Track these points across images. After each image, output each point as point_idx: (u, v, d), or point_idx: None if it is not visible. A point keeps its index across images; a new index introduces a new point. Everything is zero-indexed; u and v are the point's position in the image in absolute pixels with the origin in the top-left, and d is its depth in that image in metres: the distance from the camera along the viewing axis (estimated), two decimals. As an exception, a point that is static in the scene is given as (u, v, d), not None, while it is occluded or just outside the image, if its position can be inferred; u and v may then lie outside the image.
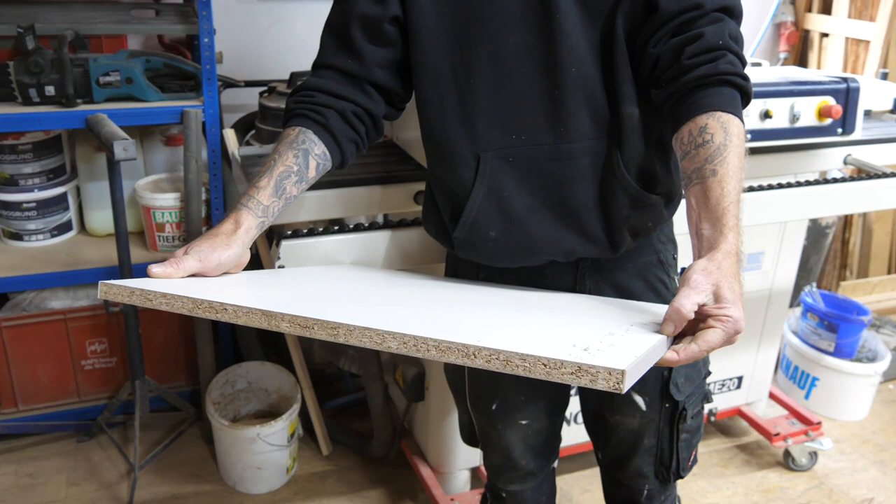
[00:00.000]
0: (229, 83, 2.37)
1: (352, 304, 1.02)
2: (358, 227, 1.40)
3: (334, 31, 1.17)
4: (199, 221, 2.15)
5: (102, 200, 2.28)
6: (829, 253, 3.23)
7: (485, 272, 1.22)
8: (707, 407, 2.18)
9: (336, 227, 1.39)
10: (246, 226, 1.05)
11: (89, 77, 2.02)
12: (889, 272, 3.36)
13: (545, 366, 0.73)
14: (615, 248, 1.14)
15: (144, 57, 2.08)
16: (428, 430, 2.03)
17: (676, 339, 0.88)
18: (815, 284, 2.69)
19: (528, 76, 1.09)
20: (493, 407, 1.30)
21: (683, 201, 1.03)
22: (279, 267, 1.34)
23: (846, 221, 3.27)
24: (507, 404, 1.29)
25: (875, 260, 3.30)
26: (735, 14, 1.05)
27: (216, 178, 2.17)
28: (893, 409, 2.63)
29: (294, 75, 2.26)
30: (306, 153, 1.11)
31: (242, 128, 2.40)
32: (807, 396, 2.57)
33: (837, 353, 2.49)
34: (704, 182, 0.95)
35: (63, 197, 2.27)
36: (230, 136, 2.26)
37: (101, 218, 2.32)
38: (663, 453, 1.27)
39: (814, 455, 2.29)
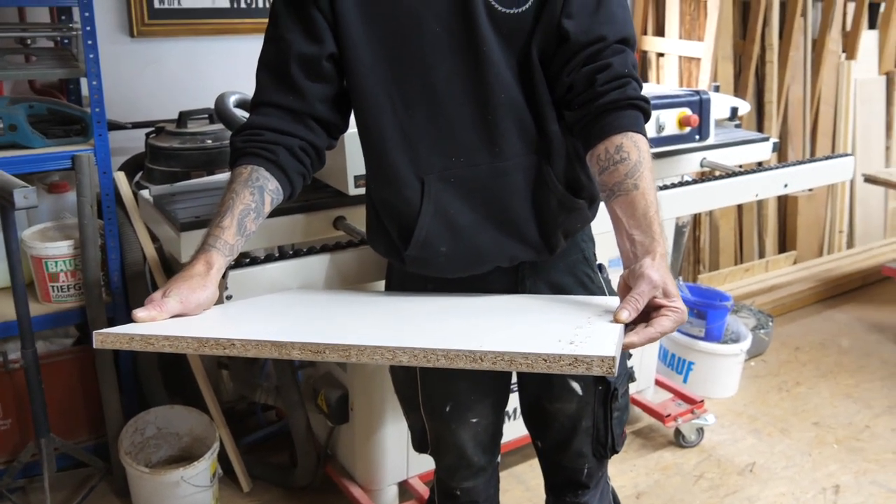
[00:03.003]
0: (115, 126, 2.32)
1: (346, 325, 1.08)
2: (298, 253, 1.45)
3: (272, 69, 1.23)
4: (96, 268, 2.09)
5: (-17, 255, 2.17)
6: (685, 250, 3.56)
7: (433, 283, 1.31)
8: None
9: (278, 255, 1.43)
10: (217, 266, 1.10)
11: (-32, 126, 1.93)
12: (735, 263, 3.75)
13: (545, 361, 0.83)
14: (551, 250, 1.27)
15: (27, 103, 2.02)
16: (354, 451, 2.07)
17: (628, 327, 1.01)
18: (681, 278, 2.97)
19: (460, 102, 1.20)
20: (447, 409, 1.38)
21: (603, 207, 1.18)
22: (227, 297, 1.36)
23: (696, 220, 3.63)
24: (459, 405, 1.38)
25: (723, 253, 3.68)
26: (632, 44, 1.21)
27: (111, 222, 2.13)
28: (758, 383, 2.94)
29: (183, 115, 2.26)
30: (261, 190, 1.17)
31: (130, 169, 2.36)
32: (685, 380, 2.83)
33: (708, 337, 2.77)
34: (629, 195, 1.10)
35: (-62, 254, 2.14)
36: (121, 178, 2.23)
37: (-19, 273, 2.20)
38: (599, 432, 1.41)
39: (700, 431, 2.53)
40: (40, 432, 2.03)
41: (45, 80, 2.33)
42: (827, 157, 2.45)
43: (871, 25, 4.19)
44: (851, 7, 4.04)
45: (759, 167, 2.32)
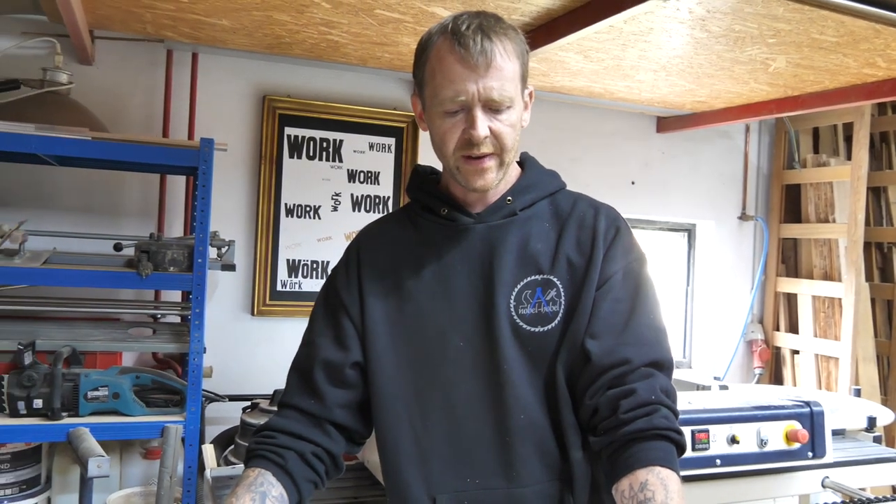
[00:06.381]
0: (213, 398, 2.44)
1: None
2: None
3: (299, 372, 1.25)
4: (166, 540, 2.09)
5: (72, 515, 2.25)
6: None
7: None
8: None
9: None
10: None
11: (78, 391, 2.09)
12: None
13: None
14: None
15: (134, 374, 2.18)
16: None
17: None
18: None
19: (479, 422, 1.15)
20: None
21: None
22: None
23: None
24: None
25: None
26: (664, 367, 1.13)
27: (189, 494, 2.15)
28: None
29: (277, 392, 2.34)
30: (263, 496, 1.14)
31: (222, 443, 2.43)
32: None
33: None
34: None
35: (32, 510, 2.23)
36: (209, 451, 2.28)
37: (67, 534, 2.26)
38: None
39: None
40: None
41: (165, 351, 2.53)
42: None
43: None
44: None
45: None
